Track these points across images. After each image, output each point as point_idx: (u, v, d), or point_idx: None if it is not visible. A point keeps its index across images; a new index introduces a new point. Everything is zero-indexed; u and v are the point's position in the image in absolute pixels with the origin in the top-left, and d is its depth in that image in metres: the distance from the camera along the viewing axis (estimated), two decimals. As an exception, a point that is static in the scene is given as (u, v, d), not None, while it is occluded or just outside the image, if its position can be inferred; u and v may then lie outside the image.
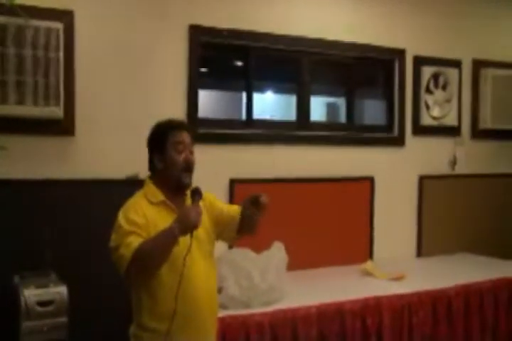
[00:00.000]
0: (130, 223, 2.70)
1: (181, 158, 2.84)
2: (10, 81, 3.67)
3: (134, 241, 2.63)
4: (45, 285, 3.27)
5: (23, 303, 3.14)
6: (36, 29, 3.72)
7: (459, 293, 4.56)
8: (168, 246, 2.60)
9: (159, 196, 2.83)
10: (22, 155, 3.79)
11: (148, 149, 2.91)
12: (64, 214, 3.78)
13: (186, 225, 2.60)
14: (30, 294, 3.18)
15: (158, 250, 2.62)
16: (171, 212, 2.80)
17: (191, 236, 2.63)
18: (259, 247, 4.15)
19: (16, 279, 3.36)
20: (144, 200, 2.82)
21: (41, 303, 3.19)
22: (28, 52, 3.71)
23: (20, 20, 3.54)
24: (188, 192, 2.85)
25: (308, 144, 5.03)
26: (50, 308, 3.21)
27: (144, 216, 2.75)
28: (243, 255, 4.04)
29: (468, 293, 4.62)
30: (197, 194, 2.77)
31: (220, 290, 3.69)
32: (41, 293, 3.22)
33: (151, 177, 2.92)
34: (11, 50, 3.67)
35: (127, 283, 2.77)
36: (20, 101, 3.69)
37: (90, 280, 3.71)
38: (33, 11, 3.63)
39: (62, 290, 3.28)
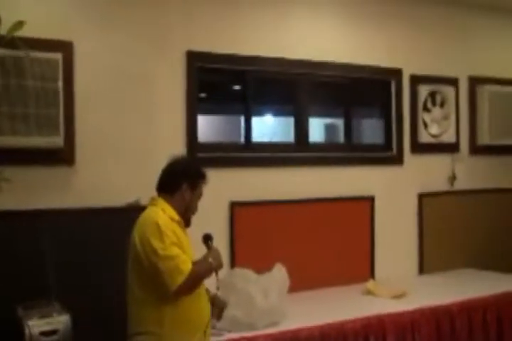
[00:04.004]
0: (172, 232, 3.02)
1: (197, 207, 3.29)
2: (10, 112, 3.70)
3: (187, 259, 3.01)
4: (49, 315, 3.27)
5: (27, 334, 3.15)
6: (36, 60, 3.75)
7: (461, 309, 4.57)
8: (205, 277, 3.12)
9: (176, 216, 3.15)
10: (23, 185, 3.81)
11: (182, 175, 3.22)
12: (66, 244, 3.80)
13: (219, 265, 3.16)
14: (34, 324, 3.19)
15: (203, 277, 3.10)
16: (183, 231, 3.16)
17: (217, 276, 3.16)
18: (259, 268, 4.17)
19: (20, 310, 3.37)
20: (165, 216, 3.09)
21: (45, 333, 3.20)
22: (27, 83, 3.74)
23: (20, 52, 3.57)
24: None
25: (307, 165, 5.07)
26: (54, 338, 3.21)
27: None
28: (244, 276, 4.06)
29: (471, 309, 4.63)
30: (210, 239, 3.26)
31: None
32: (45, 323, 3.22)
33: (164, 198, 3.18)
34: (11, 82, 3.70)
35: (160, 294, 2.99)
36: (21, 132, 3.73)
37: (94, 309, 3.72)
38: (32, 43, 3.65)
39: (66, 319, 3.28)
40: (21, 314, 3.33)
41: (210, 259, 3.11)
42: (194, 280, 3.01)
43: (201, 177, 3.26)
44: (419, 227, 5.69)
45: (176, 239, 3.01)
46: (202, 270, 3.06)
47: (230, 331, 3.76)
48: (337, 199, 5.18)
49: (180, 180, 3.18)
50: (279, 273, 4.13)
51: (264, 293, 3.97)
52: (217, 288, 3.26)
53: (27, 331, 3.17)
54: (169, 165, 3.27)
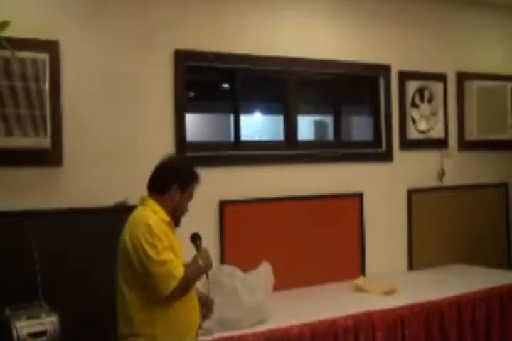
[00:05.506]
0: (164, 235, 2.99)
1: (188, 207, 3.24)
2: (-4, 112, 3.69)
3: (180, 264, 2.99)
4: (37, 316, 3.25)
5: (14, 335, 3.13)
6: (22, 60, 3.73)
7: (451, 304, 4.59)
8: (197, 280, 3.13)
9: (166, 217, 3.11)
10: (10, 186, 3.82)
11: (173, 176, 3.16)
12: (54, 244, 3.80)
13: (209, 266, 3.17)
14: (22, 326, 3.17)
15: (195, 280, 3.10)
16: (173, 232, 3.13)
17: (207, 276, 3.19)
18: (249, 267, 4.17)
19: (7, 311, 3.35)
20: (156, 217, 3.05)
21: (33, 334, 3.17)
22: (13, 83, 3.72)
23: (5, 53, 3.54)
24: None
25: (296, 163, 5.07)
26: (42, 339, 3.19)
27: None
28: (230, 273, 4.03)
29: (461, 305, 4.65)
30: (199, 239, 3.25)
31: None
32: (33, 324, 3.20)
33: (154, 198, 3.14)
34: (-3, 82, 3.69)
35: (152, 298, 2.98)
36: (8, 133, 3.71)
37: (82, 309, 3.72)
38: (18, 43, 3.64)
39: (54, 320, 3.26)
40: (9, 315, 3.31)
41: (200, 261, 3.09)
42: (187, 285, 3.00)
43: (193, 179, 3.19)
44: (409, 223, 5.70)
45: (168, 243, 2.98)
46: (193, 274, 3.05)
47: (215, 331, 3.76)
48: (327, 196, 5.18)
49: (171, 181, 3.13)
50: (265, 271, 4.13)
51: (251, 291, 3.96)
52: (208, 289, 3.25)
53: (14, 332, 3.15)
54: (161, 164, 3.21)
